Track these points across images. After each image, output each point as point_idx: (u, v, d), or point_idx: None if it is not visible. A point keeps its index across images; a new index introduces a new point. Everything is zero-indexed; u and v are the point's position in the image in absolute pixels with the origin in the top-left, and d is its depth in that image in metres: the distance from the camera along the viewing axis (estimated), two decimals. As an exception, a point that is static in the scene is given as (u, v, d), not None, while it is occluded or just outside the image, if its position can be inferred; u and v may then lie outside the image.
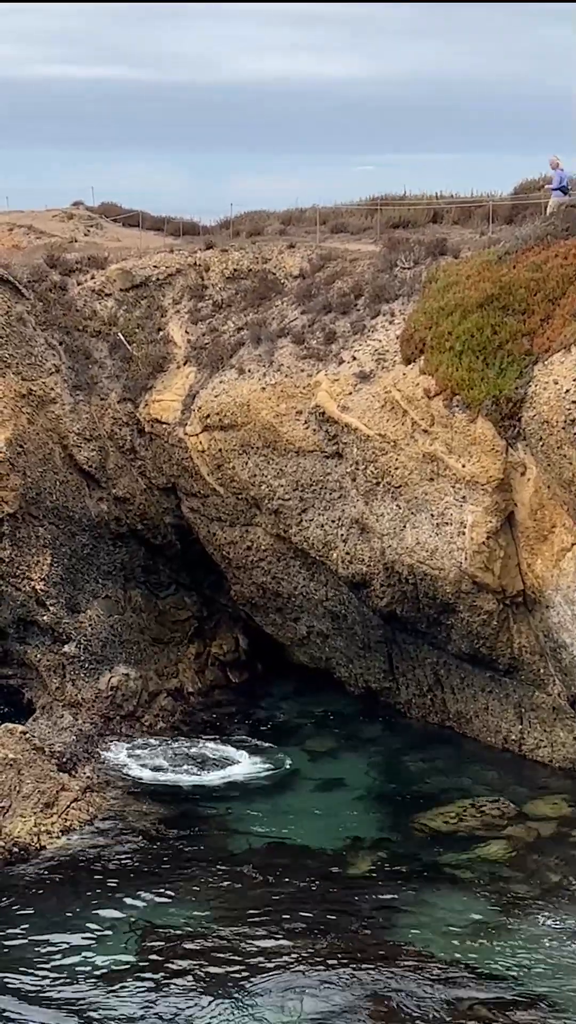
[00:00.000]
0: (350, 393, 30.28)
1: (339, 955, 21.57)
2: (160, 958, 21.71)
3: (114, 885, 24.28)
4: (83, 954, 21.91)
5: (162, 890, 24.04)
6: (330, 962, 21.34)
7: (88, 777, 28.52)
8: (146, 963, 21.58)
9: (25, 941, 22.41)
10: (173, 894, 23.92)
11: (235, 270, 35.55)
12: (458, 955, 21.57)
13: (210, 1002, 20.35)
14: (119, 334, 35.04)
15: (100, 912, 23.28)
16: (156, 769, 29.51)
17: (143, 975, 21.20)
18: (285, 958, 21.50)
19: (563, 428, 26.09)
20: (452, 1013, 19.92)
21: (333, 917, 22.90)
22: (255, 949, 21.84)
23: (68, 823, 26.12)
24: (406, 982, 20.72)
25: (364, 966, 21.20)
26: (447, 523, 28.40)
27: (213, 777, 29.14)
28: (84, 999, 20.62)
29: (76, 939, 22.39)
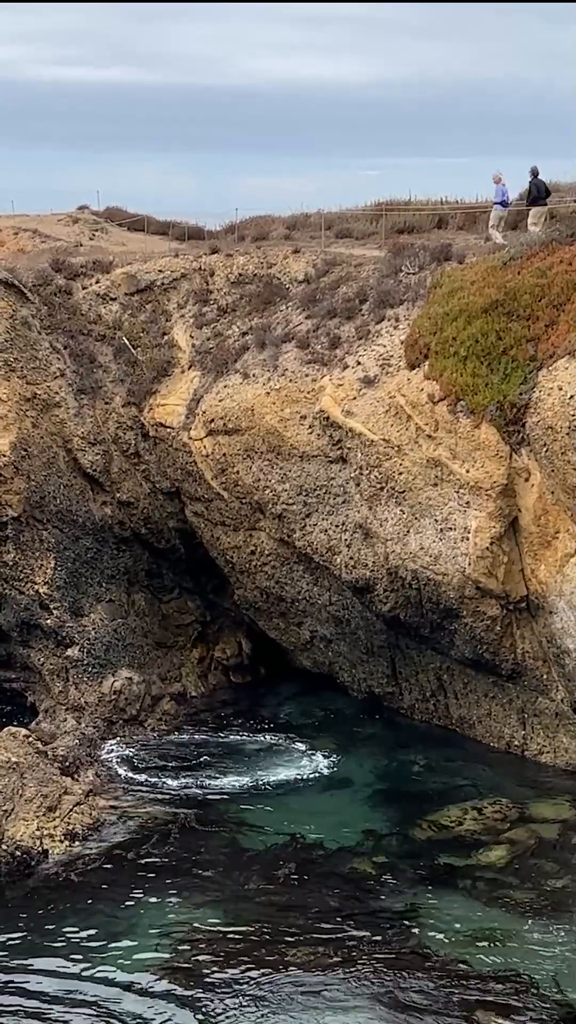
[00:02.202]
0: (354, 398, 30.29)
1: (345, 957, 21.61)
2: (172, 961, 21.74)
3: (119, 888, 24.28)
4: (94, 958, 21.93)
5: (171, 892, 24.05)
6: (336, 964, 21.39)
7: (91, 781, 28.52)
8: (158, 965, 21.61)
9: (31, 943, 22.45)
10: (183, 896, 23.93)
11: (240, 275, 35.57)
12: (461, 956, 21.61)
13: (222, 1004, 20.39)
14: (123, 338, 35.07)
15: (106, 914, 23.28)
16: (158, 772, 29.51)
17: (155, 978, 21.22)
18: (294, 960, 21.56)
19: (567, 434, 26.09)
20: (457, 1015, 19.96)
21: (339, 918, 22.95)
22: (262, 951, 21.88)
23: (71, 827, 26.11)
24: (412, 984, 20.77)
25: (371, 968, 21.27)
26: (451, 528, 28.41)
27: (216, 779, 29.14)
28: (100, 1000, 20.69)
29: (85, 941, 22.41)
